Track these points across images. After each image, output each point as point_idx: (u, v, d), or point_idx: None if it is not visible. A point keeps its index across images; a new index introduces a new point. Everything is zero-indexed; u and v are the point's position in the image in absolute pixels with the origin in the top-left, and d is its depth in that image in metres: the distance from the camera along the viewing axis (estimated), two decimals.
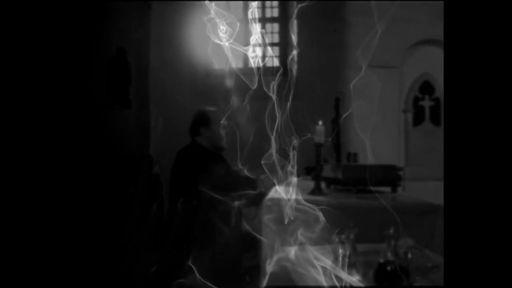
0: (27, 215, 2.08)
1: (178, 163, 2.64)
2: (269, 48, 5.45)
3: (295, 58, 5.01)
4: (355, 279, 1.24)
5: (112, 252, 2.96)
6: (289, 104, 1.24)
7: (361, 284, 1.21)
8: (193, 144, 2.70)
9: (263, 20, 5.57)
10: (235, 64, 1.29)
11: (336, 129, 3.03)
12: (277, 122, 1.20)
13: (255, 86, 1.23)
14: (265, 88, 1.21)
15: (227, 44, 1.18)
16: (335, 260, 1.37)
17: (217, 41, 1.19)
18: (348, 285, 1.20)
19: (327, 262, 1.32)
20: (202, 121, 2.69)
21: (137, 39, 5.07)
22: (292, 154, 1.21)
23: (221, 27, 1.17)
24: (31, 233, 2.11)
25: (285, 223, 1.19)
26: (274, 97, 1.20)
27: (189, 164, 2.55)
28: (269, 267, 1.23)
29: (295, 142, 1.17)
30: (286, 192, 1.24)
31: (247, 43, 1.24)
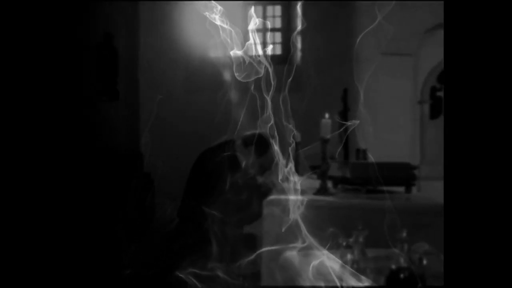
0: (9, 214, 2.09)
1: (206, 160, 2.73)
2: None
3: (299, 44, 5.00)
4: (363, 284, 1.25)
5: (104, 253, 3.00)
6: (288, 81, 1.25)
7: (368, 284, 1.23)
8: (227, 144, 2.74)
9: (264, 3, 5.55)
10: (233, 51, 1.30)
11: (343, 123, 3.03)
12: (271, 89, 1.21)
13: (253, 78, 1.24)
14: (259, 57, 1.22)
15: (219, 22, 1.19)
16: (343, 266, 1.38)
17: (208, 15, 1.19)
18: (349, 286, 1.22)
19: (334, 268, 1.33)
20: (260, 142, 2.67)
21: (126, 24, 5.06)
22: (292, 148, 1.22)
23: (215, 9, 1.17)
24: (14, 232, 2.12)
25: (283, 228, 1.20)
26: (266, 63, 1.21)
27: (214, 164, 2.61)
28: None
29: (296, 134, 1.18)
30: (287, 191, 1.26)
31: (245, 29, 1.25)
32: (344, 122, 1.53)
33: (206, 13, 1.18)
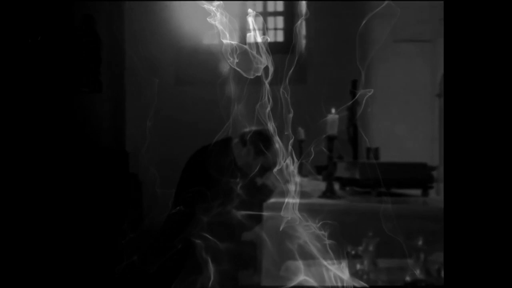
0: None
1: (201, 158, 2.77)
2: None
3: (304, 31, 5.00)
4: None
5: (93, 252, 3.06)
6: (290, 72, 1.26)
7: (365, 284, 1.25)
8: (224, 143, 2.77)
9: None
10: (229, 39, 1.31)
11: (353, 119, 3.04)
12: (269, 76, 1.24)
13: (253, 72, 1.25)
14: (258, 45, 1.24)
15: (218, 15, 1.21)
16: (351, 277, 1.39)
17: (206, 8, 1.21)
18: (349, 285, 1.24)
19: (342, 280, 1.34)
20: (260, 139, 2.69)
21: (109, 6, 5.06)
22: (291, 142, 1.24)
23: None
24: None
25: (281, 226, 1.22)
26: (265, 51, 1.22)
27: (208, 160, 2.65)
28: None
29: (299, 131, 1.20)
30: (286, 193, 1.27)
31: (243, 16, 1.26)
32: (355, 91, 1.54)
33: (205, 5, 1.20)
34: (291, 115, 1.28)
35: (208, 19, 1.23)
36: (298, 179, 1.27)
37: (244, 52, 1.26)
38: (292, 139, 1.27)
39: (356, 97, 1.54)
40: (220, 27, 1.23)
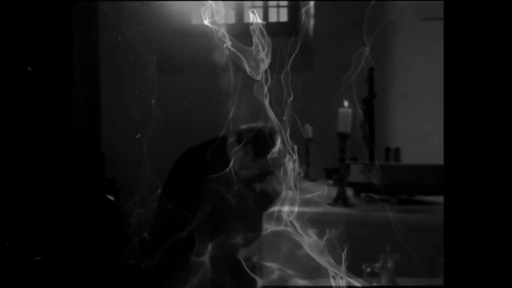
0: None
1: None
2: None
3: (312, 11, 5.01)
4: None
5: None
6: (291, 59, 1.28)
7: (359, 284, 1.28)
8: (218, 142, 2.79)
9: None
10: (225, 19, 1.33)
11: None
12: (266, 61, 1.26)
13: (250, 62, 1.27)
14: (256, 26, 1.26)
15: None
16: None
17: None
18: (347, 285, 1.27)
19: None
20: (260, 138, 2.71)
21: None
22: (287, 131, 1.26)
23: None
24: None
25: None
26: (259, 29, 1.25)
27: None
28: None
29: (306, 128, 1.23)
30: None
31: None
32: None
33: None
34: (291, 98, 1.30)
35: (202, 12, 1.25)
36: (306, 183, 1.28)
37: (242, 41, 1.28)
38: (289, 130, 1.28)
39: (354, 58, 1.59)
40: (215, 18, 1.25)
